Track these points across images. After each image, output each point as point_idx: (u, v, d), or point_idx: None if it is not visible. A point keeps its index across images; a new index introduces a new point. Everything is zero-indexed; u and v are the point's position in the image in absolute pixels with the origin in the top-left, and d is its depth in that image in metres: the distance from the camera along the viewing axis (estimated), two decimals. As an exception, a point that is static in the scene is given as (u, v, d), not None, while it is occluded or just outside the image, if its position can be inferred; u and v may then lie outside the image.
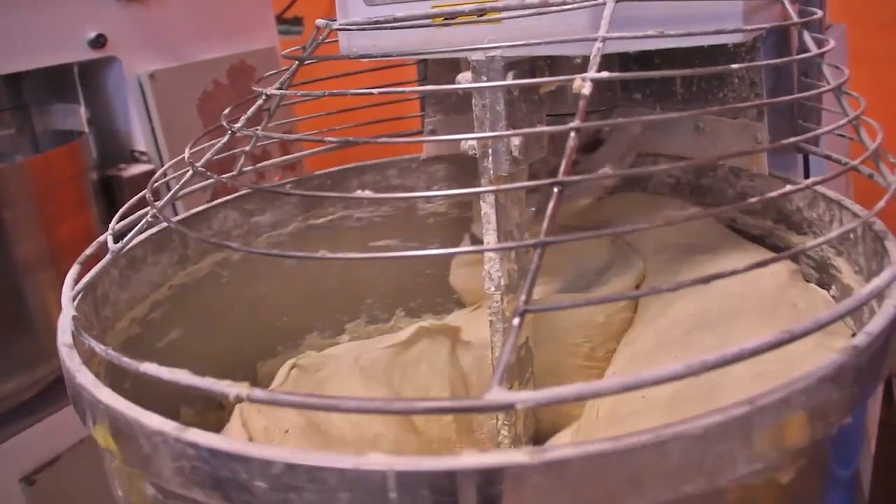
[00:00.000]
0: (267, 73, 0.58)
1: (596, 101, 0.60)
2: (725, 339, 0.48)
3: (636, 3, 0.42)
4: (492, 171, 0.49)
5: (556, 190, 0.33)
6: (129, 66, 1.05)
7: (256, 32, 1.23)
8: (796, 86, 0.62)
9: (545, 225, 0.31)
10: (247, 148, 0.55)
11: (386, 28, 0.47)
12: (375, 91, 0.42)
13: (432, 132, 0.71)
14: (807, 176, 0.68)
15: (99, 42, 1.00)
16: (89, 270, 0.47)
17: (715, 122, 0.64)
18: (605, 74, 0.37)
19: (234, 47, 1.18)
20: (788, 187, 0.37)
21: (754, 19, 0.49)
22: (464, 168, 0.74)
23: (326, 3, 1.63)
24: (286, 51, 0.57)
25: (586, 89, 0.36)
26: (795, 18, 0.46)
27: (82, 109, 1.03)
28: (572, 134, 0.34)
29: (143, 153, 1.07)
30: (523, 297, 0.29)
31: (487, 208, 0.50)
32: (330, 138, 0.37)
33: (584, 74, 0.36)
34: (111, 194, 1.03)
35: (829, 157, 0.59)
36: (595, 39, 0.38)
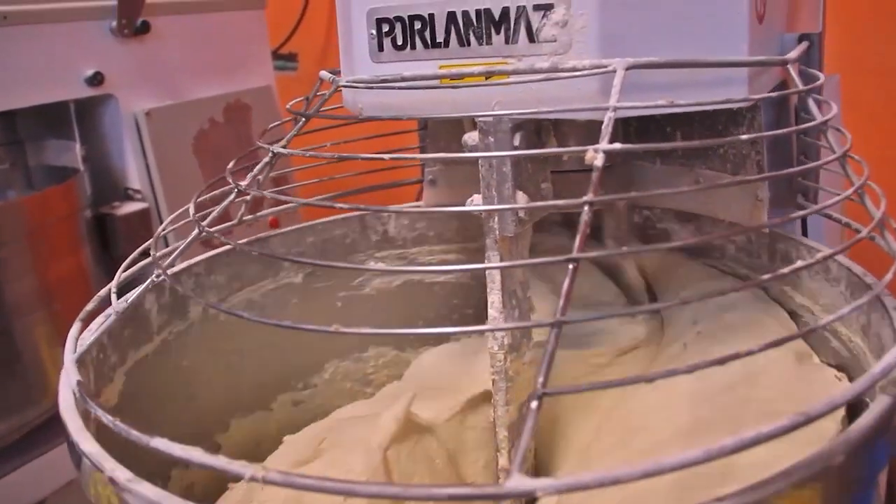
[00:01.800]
0: (270, 126, 0.58)
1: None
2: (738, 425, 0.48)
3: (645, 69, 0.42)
4: (497, 232, 0.49)
5: (570, 266, 0.32)
6: (126, 104, 1.05)
7: (253, 71, 1.23)
8: (795, 143, 0.63)
9: (561, 303, 0.31)
10: (248, 197, 0.55)
11: (394, 87, 0.47)
12: (386, 156, 0.42)
13: (432, 182, 0.71)
14: (804, 231, 0.69)
15: (96, 80, 1.00)
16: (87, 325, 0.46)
17: (714, 178, 0.64)
18: (617, 146, 0.37)
19: (230, 86, 1.18)
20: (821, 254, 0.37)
21: (759, 81, 0.49)
22: (466, 218, 0.74)
23: (321, 40, 1.64)
24: (290, 103, 0.57)
25: (599, 161, 0.36)
26: (799, 84, 0.47)
27: (78, 146, 1.03)
28: (585, 208, 0.34)
29: (137, 191, 1.06)
30: (541, 380, 0.29)
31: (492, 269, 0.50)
32: (341, 205, 0.37)
33: (596, 146, 0.37)
34: (104, 232, 1.02)
35: (830, 217, 0.59)
36: (606, 108, 0.38)
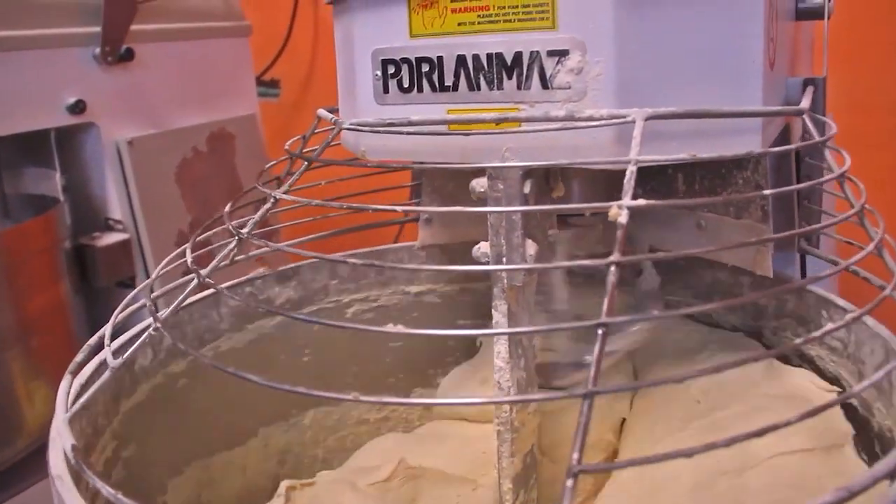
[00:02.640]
0: (268, 165, 0.57)
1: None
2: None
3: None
4: (505, 281, 0.47)
5: (599, 332, 0.31)
6: (108, 133, 1.02)
7: (237, 99, 1.21)
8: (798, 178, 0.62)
9: (592, 372, 0.30)
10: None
11: (401, 133, 0.45)
12: (399, 208, 0.40)
13: (427, 220, 0.69)
14: (803, 272, 0.68)
15: (78, 108, 0.98)
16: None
17: (717, 221, 0.63)
18: (642, 202, 0.35)
19: (214, 114, 1.16)
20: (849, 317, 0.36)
21: (769, 128, 0.48)
22: (461, 256, 0.73)
23: (304, 67, 1.62)
24: (288, 143, 0.55)
25: (623, 218, 0.35)
26: (815, 134, 0.46)
27: (58, 176, 1.00)
28: (612, 269, 0.33)
29: (118, 221, 1.03)
30: (576, 456, 0.27)
31: (499, 317, 0.48)
32: (353, 260, 0.35)
33: (620, 202, 0.35)
34: (84, 264, 0.99)
35: (834, 263, 0.59)
36: (628, 161, 0.37)
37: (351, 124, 0.47)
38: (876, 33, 1.10)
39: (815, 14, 0.62)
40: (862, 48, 1.09)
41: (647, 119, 0.40)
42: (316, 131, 0.58)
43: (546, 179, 0.50)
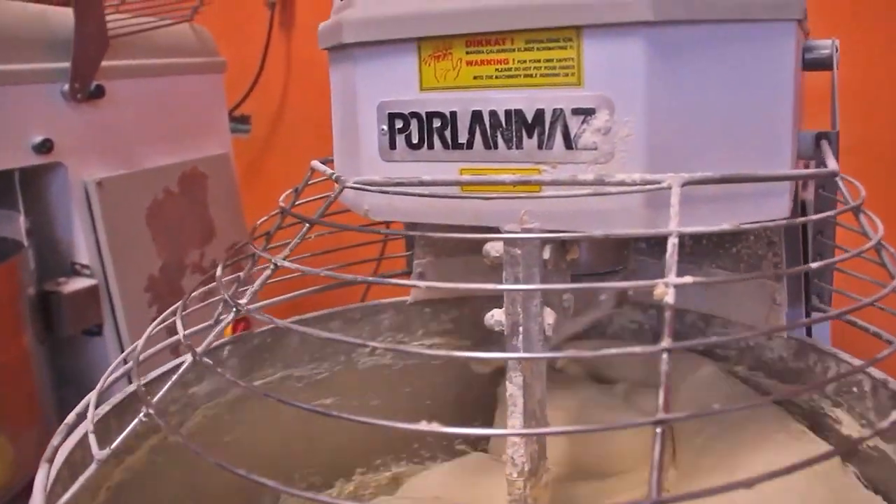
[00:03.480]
0: (260, 221, 0.53)
1: (599, 263, 0.56)
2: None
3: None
4: (521, 352, 0.44)
5: (658, 430, 0.28)
6: (75, 173, 0.98)
7: (210, 138, 1.18)
8: (812, 244, 0.60)
9: (654, 478, 0.27)
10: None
11: (412, 194, 0.42)
12: (407, 282, 0.37)
13: (421, 275, 0.66)
14: (808, 330, 0.66)
15: (45, 147, 0.93)
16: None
17: (725, 277, 0.61)
18: (688, 280, 0.33)
19: (186, 153, 1.12)
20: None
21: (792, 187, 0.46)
22: (454, 312, 0.69)
23: (275, 103, 1.59)
24: (282, 197, 0.52)
25: (670, 297, 0.32)
26: (849, 198, 0.43)
27: (21, 218, 0.95)
28: (665, 356, 0.30)
29: (85, 266, 0.99)
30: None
31: (514, 390, 0.45)
32: (367, 344, 0.32)
33: (667, 280, 0.32)
34: (48, 311, 0.94)
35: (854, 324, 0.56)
36: (669, 234, 0.34)
37: (356, 182, 0.43)
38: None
39: (823, 65, 0.60)
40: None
41: (683, 185, 0.37)
42: (310, 182, 0.54)
43: (562, 241, 0.47)
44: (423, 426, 0.28)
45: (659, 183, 0.37)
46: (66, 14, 0.95)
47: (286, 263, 0.40)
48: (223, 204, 1.17)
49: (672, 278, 0.32)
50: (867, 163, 0.98)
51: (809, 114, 0.55)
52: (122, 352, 1.01)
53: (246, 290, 0.42)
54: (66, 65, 0.95)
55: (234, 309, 0.39)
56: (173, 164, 1.09)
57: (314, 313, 0.65)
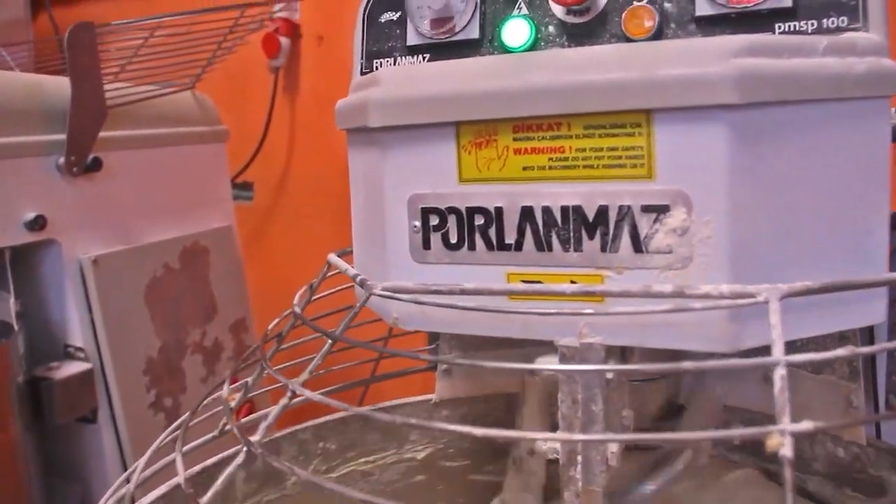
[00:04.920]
0: (272, 324, 0.47)
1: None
2: None
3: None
4: (580, 483, 0.38)
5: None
6: (69, 250, 0.92)
7: (212, 210, 1.12)
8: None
9: None
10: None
11: (447, 306, 0.36)
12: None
13: (447, 371, 0.60)
14: (878, 431, 0.60)
15: (37, 224, 0.88)
16: None
17: (792, 374, 0.55)
18: (808, 426, 0.26)
19: (187, 227, 1.06)
20: None
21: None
22: (485, 409, 0.63)
23: (279, 170, 1.54)
24: (297, 296, 0.46)
25: (788, 449, 0.26)
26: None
27: (12, 300, 0.89)
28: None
29: (79, 349, 0.92)
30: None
31: (572, 530, 0.38)
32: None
33: (782, 427, 0.26)
34: (39, 399, 0.87)
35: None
36: (776, 363, 0.28)
37: (385, 289, 0.37)
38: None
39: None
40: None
41: (782, 298, 0.31)
42: (327, 275, 0.49)
43: (622, 352, 0.41)
44: None
45: (753, 296, 0.31)
46: (62, 83, 0.90)
47: (305, 392, 0.34)
48: (226, 279, 1.11)
49: (787, 424, 0.26)
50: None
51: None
52: (118, 439, 0.96)
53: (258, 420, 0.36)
54: (62, 137, 0.90)
55: (245, 448, 0.33)
56: (173, 239, 1.04)
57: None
